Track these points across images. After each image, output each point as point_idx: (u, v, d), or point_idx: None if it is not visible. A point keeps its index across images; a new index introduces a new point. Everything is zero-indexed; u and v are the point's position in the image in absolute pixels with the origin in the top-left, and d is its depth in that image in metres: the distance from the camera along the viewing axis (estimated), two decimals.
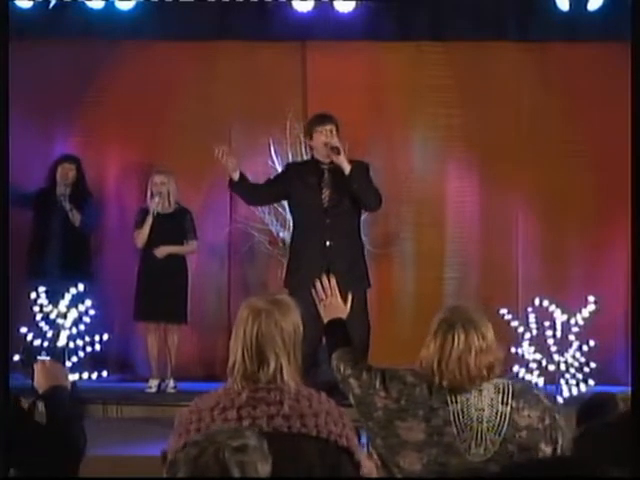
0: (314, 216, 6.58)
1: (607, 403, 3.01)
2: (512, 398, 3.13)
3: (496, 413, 3.10)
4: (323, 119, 6.64)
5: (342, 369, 3.40)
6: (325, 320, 3.66)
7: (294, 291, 6.57)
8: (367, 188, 6.55)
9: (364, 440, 3.31)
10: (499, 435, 3.08)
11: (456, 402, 3.11)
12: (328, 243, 6.51)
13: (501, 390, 3.14)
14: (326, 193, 6.59)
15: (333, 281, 3.65)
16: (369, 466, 3.04)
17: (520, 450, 3.07)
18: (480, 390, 3.13)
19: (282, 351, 2.85)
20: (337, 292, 3.66)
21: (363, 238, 7.01)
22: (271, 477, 2.22)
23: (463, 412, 3.10)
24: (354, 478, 2.83)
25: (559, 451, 3.08)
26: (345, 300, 3.68)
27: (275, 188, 6.84)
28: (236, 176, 6.57)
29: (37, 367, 3.02)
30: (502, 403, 3.12)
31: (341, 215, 6.56)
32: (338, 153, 6.48)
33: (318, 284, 3.66)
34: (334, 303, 3.65)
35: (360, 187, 6.49)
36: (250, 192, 6.81)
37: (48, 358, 3.15)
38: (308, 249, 6.60)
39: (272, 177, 7.13)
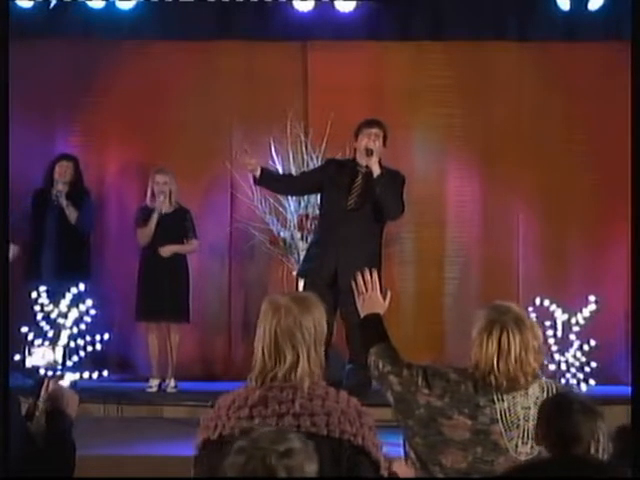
0: (336, 216, 6.66)
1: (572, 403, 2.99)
2: None
3: None
4: (369, 123, 6.73)
5: (381, 366, 3.36)
6: (362, 314, 3.60)
7: (306, 283, 6.62)
8: (390, 195, 6.56)
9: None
10: None
11: (503, 400, 3.13)
12: (342, 245, 6.54)
13: (545, 389, 3.18)
14: (354, 195, 6.65)
15: (375, 275, 3.59)
16: (405, 472, 3.03)
17: None
18: (527, 388, 3.15)
19: (301, 346, 2.83)
20: (378, 287, 3.60)
21: None
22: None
23: (510, 410, 3.12)
24: (372, 478, 2.81)
25: (600, 449, 3.10)
26: (384, 296, 3.62)
27: (309, 181, 6.99)
28: (257, 173, 6.63)
29: (52, 385, 3.01)
30: None
31: (361, 219, 6.62)
32: (370, 155, 6.56)
33: (359, 277, 3.61)
34: (373, 298, 3.58)
35: (383, 192, 6.52)
36: (280, 183, 7.04)
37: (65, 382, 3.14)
38: (323, 248, 6.69)
39: (309, 169, 7.35)
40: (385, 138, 6.70)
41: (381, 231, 6.81)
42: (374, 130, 6.64)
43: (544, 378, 3.25)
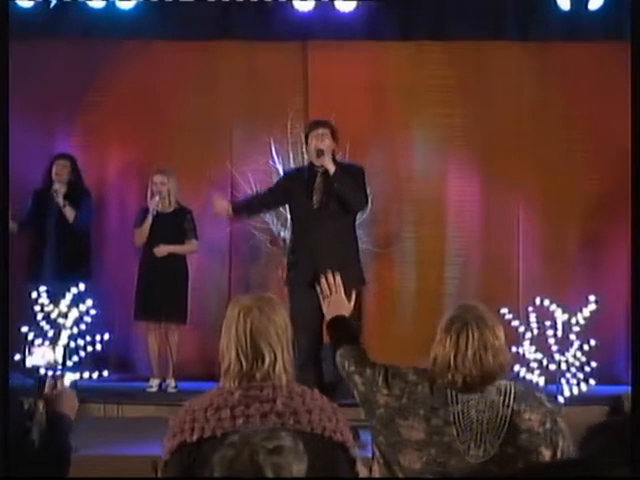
0: (304, 219, 6.73)
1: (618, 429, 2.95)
2: (514, 401, 3.11)
3: (497, 415, 3.08)
4: (316, 124, 6.78)
5: (346, 366, 3.39)
6: (327, 317, 3.64)
7: (292, 289, 6.64)
8: (350, 189, 6.60)
9: (367, 438, 3.30)
10: (498, 438, 3.06)
11: (457, 402, 3.10)
12: (316, 245, 6.59)
13: (503, 392, 3.12)
14: (317, 196, 6.70)
15: (338, 278, 3.62)
16: (364, 472, 3.04)
17: (520, 453, 3.05)
18: (482, 391, 3.12)
19: (277, 345, 2.85)
20: (342, 289, 3.63)
21: (363, 238, 7.01)
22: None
23: (464, 413, 3.09)
24: (354, 479, 2.82)
25: (559, 455, 3.06)
26: (349, 298, 3.65)
27: (277, 191, 6.99)
28: (230, 211, 6.91)
29: (51, 386, 3.01)
30: (503, 405, 3.10)
31: (330, 217, 6.65)
32: (321, 155, 6.61)
33: (323, 280, 3.63)
34: (338, 300, 3.62)
35: (342, 188, 6.56)
36: (252, 206, 7.14)
37: (66, 383, 3.13)
38: (300, 249, 6.74)
39: (271, 185, 7.28)
40: (334, 135, 6.71)
41: (353, 226, 6.82)
42: (320, 130, 6.68)
43: (504, 381, 3.21)
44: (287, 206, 7.21)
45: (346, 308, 3.64)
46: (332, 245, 6.59)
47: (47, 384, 3.03)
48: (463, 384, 3.09)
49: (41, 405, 2.98)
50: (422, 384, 3.16)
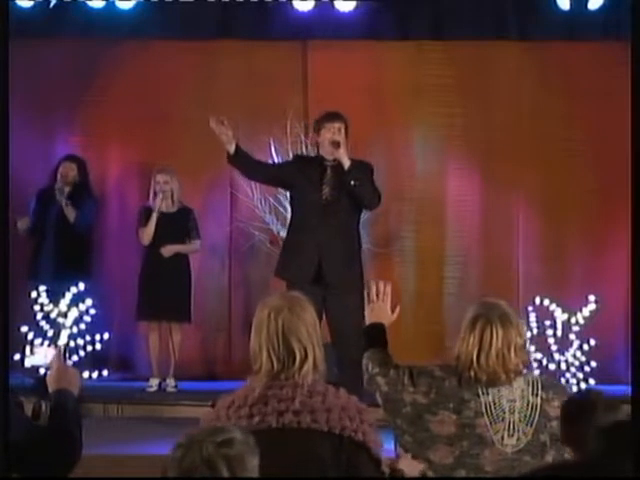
0: (311, 211, 6.54)
1: (595, 401, 3.00)
2: (542, 389, 3.19)
3: (527, 404, 3.17)
4: (331, 117, 6.61)
5: (370, 368, 3.43)
6: (368, 322, 3.69)
7: (290, 284, 6.57)
8: (365, 185, 6.50)
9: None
10: (531, 425, 3.15)
11: (487, 394, 3.16)
12: (322, 239, 6.49)
13: (530, 382, 3.21)
14: (326, 190, 6.55)
15: (389, 288, 3.68)
16: (412, 465, 3.03)
17: (552, 440, 3.13)
18: (509, 384, 3.17)
19: (307, 342, 2.86)
20: (389, 300, 3.67)
21: (363, 237, 6.99)
22: (276, 476, 2.22)
23: (495, 403, 3.15)
24: (369, 478, 2.81)
25: None
26: (393, 310, 3.70)
27: (277, 171, 6.85)
28: (232, 149, 6.46)
29: (53, 366, 3.00)
30: (533, 394, 3.18)
31: (338, 212, 6.51)
32: (338, 147, 6.46)
33: (373, 286, 3.64)
34: (382, 309, 3.68)
35: (357, 184, 6.47)
36: (250, 166, 6.69)
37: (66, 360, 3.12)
38: (302, 243, 6.57)
39: (279, 162, 7.26)
40: (347, 130, 6.59)
41: (358, 223, 6.73)
42: (336, 124, 6.54)
43: (528, 373, 3.26)
44: (287, 194, 7.10)
45: (387, 318, 3.70)
46: (337, 241, 6.48)
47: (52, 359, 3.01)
48: (487, 381, 3.13)
49: (45, 405, 2.97)
50: (449, 379, 3.20)
